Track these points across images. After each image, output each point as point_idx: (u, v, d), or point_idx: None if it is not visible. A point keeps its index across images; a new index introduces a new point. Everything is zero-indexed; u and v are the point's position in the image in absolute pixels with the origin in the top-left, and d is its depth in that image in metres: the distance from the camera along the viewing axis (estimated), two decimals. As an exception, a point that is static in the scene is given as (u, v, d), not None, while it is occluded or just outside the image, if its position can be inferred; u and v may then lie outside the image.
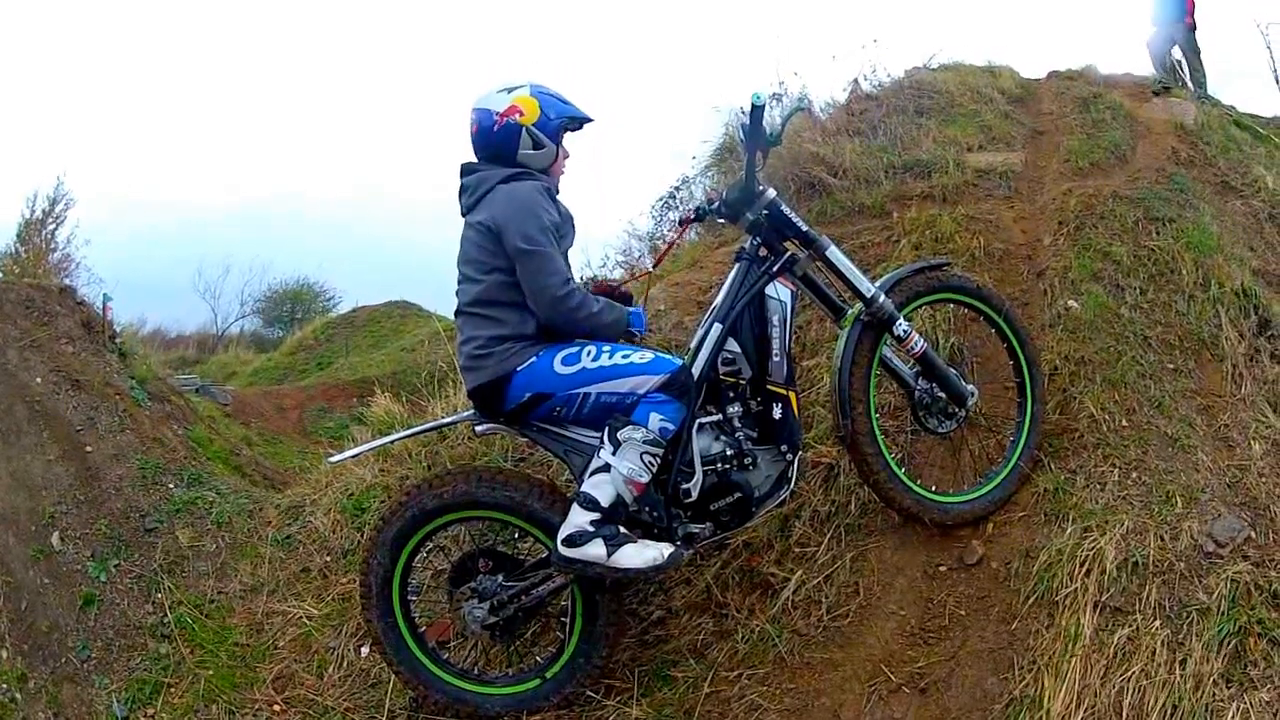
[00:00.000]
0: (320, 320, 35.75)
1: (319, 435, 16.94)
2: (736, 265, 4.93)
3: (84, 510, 7.19)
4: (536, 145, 4.61)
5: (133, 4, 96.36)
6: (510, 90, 4.61)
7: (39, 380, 8.02)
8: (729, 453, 4.65)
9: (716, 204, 5.23)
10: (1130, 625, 4.30)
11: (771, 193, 4.92)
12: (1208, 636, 4.16)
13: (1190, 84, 14.16)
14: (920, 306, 5.40)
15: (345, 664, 5.63)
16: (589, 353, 4.47)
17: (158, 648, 6.20)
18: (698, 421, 4.63)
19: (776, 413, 4.68)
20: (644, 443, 4.33)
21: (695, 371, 4.60)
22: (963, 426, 5.42)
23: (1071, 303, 6.47)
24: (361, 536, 6.39)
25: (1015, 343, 5.43)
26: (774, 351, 4.68)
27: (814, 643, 4.91)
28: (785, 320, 4.73)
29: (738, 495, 4.65)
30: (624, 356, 4.47)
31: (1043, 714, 4.04)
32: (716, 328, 4.68)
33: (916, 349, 5.01)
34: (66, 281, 15.94)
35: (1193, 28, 14.62)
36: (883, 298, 4.89)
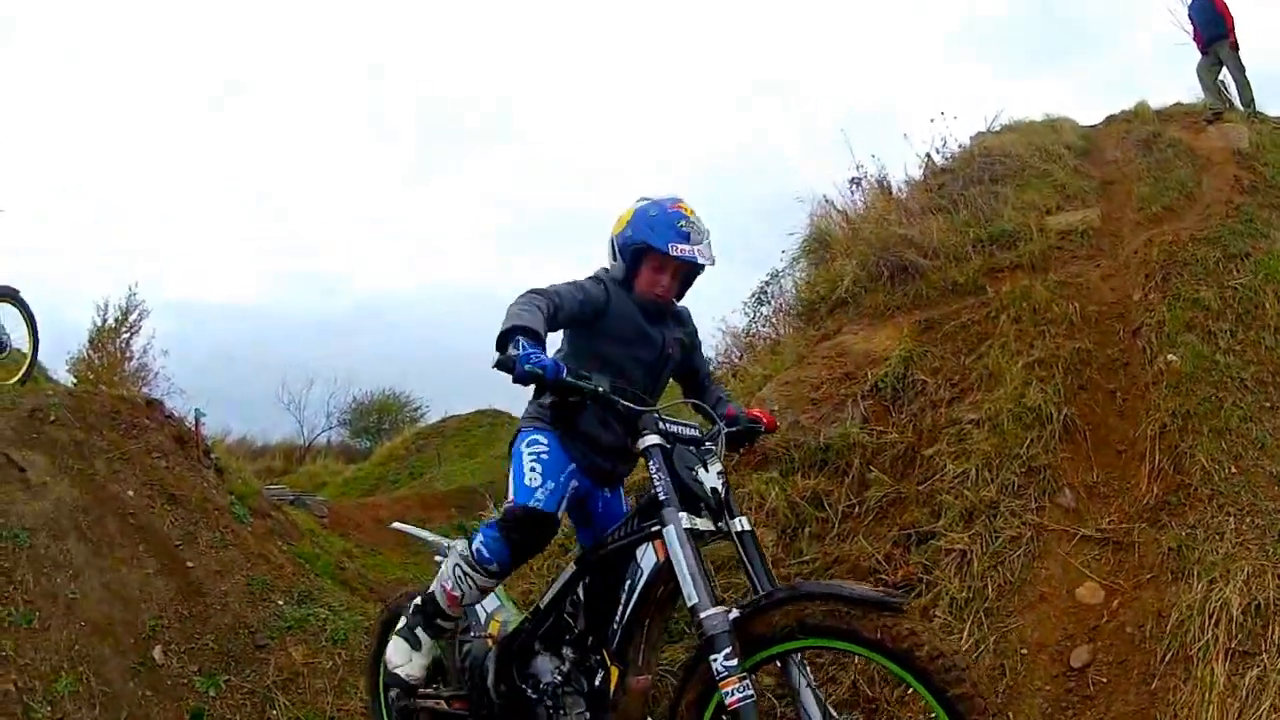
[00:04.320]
0: (409, 430, 36.53)
1: (420, 547, 16.88)
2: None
3: (187, 625, 7.34)
4: (613, 257, 4.40)
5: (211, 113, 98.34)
6: (639, 201, 4.40)
7: (131, 493, 8.18)
8: (543, 685, 4.10)
9: None
10: (1258, 666, 4.52)
11: (647, 440, 3.76)
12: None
13: (1239, 103, 14.44)
14: (788, 651, 3.29)
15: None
16: (529, 440, 4.28)
17: (274, 763, 6.27)
18: (535, 644, 4.22)
19: (597, 680, 3.92)
20: (460, 556, 4.17)
21: (542, 603, 4.22)
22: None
23: (1171, 357, 6.64)
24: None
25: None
26: (615, 618, 3.84)
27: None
28: (637, 589, 3.78)
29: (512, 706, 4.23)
30: (530, 465, 4.18)
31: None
32: (571, 567, 4.15)
33: (728, 701, 3.16)
34: (147, 392, 16.53)
35: (1235, 46, 14.78)
36: (707, 614, 3.29)
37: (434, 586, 4.32)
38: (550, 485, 4.13)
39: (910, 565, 5.81)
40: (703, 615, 3.31)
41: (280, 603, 7.97)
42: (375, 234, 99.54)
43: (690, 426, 3.89)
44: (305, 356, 57.34)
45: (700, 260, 4.22)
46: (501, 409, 33.14)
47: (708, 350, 9.17)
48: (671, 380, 4.63)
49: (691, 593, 3.38)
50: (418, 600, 4.42)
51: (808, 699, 3.34)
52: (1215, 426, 6.03)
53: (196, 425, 10.58)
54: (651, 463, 3.71)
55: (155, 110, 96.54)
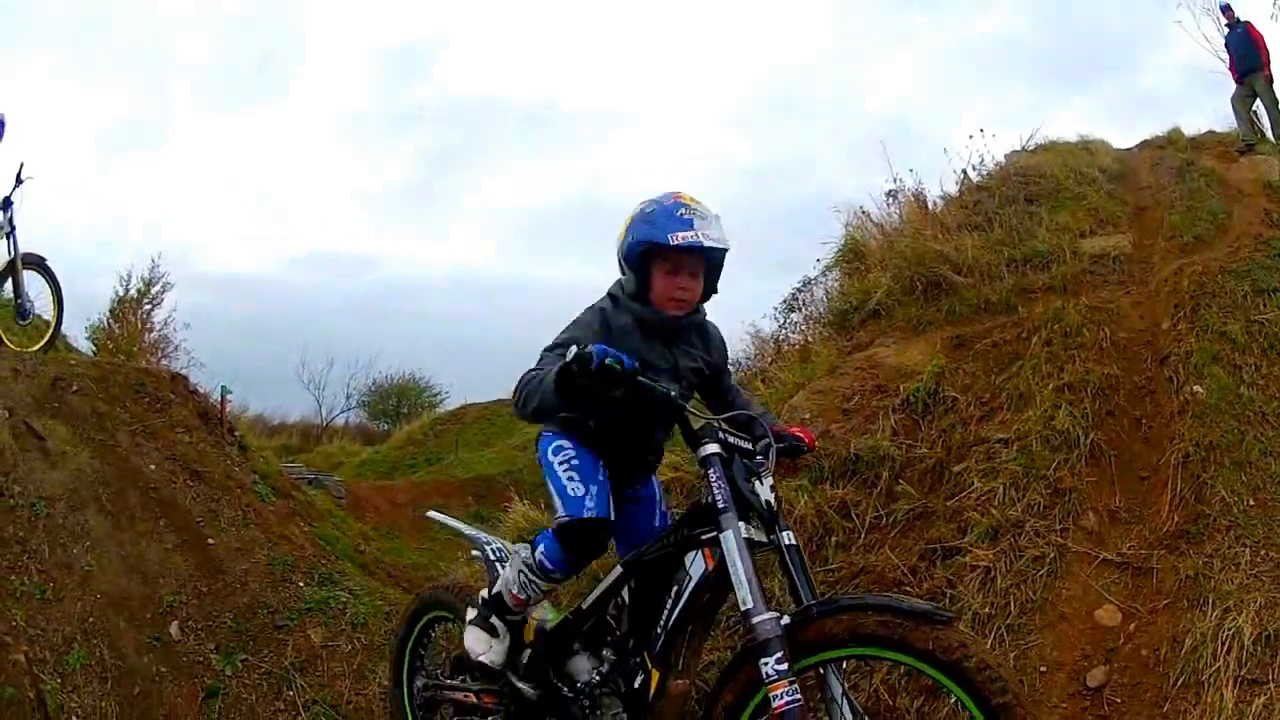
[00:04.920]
0: (428, 416, 36.71)
1: (435, 532, 16.78)
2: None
3: (206, 602, 7.46)
4: (622, 270, 4.22)
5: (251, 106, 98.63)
6: (637, 206, 4.20)
7: (153, 467, 8.32)
8: (579, 685, 4.15)
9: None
10: (1266, 694, 4.69)
11: (706, 449, 3.76)
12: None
13: (1271, 135, 14.56)
14: (834, 659, 3.45)
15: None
16: (554, 446, 4.26)
17: (289, 745, 6.28)
18: (574, 644, 4.28)
19: (636, 682, 3.92)
20: (524, 563, 4.23)
21: (585, 603, 4.23)
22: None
23: (1197, 388, 6.80)
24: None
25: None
26: (659, 622, 3.86)
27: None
28: (684, 596, 3.81)
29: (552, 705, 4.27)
30: (566, 474, 4.16)
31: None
32: (617, 569, 4.13)
33: (775, 704, 3.26)
34: (167, 364, 16.59)
35: (1270, 78, 14.96)
36: (760, 619, 3.39)
37: (499, 588, 4.37)
38: (594, 489, 4.12)
39: (935, 579, 5.93)
40: (756, 620, 3.38)
41: (301, 584, 8.09)
42: (407, 218, 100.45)
43: (744, 439, 3.86)
44: (329, 336, 57.77)
45: (705, 243, 3.96)
46: None
47: (735, 353, 9.37)
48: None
49: (746, 596, 3.43)
50: (484, 595, 4.49)
51: (844, 707, 3.40)
52: (1237, 459, 6.18)
53: (223, 402, 10.68)
54: (711, 471, 3.70)
55: (197, 82, 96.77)
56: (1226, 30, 15.90)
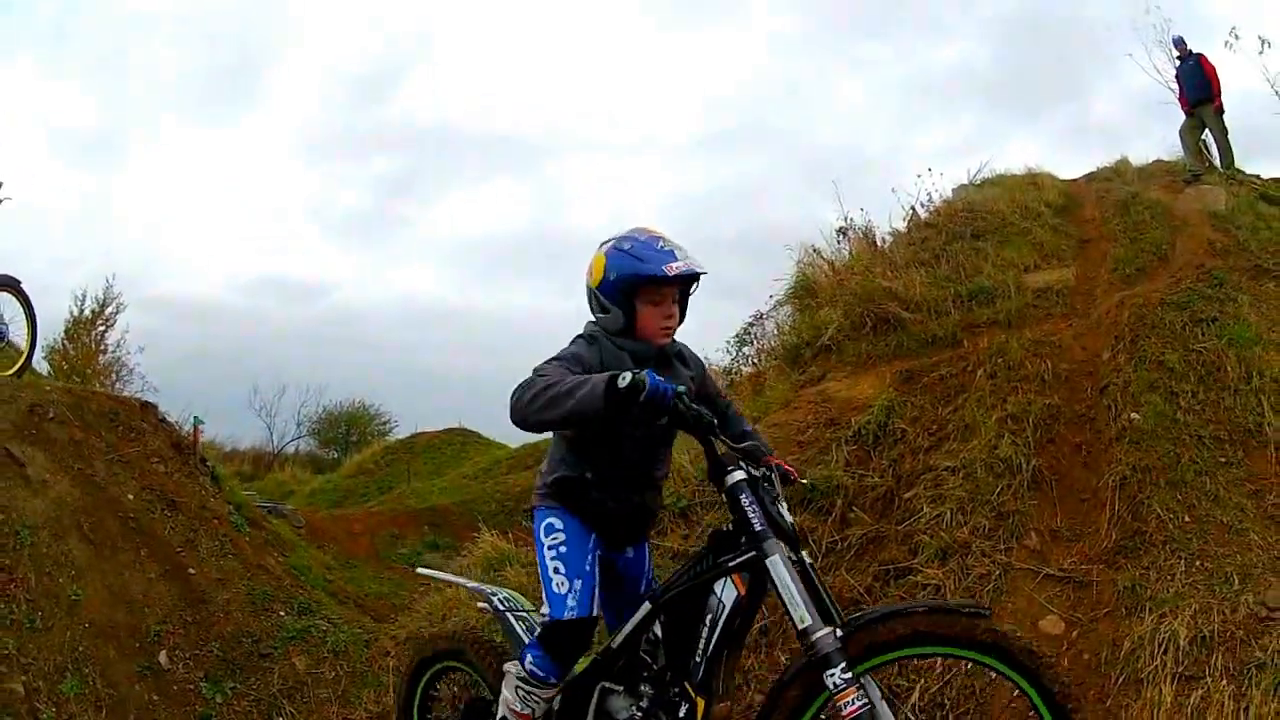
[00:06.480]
0: (379, 444, 36.86)
1: (393, 561, 17.59)
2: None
3: (192, 631, 7.74)
4: (602, 309, 4.25)
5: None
6: (602, 245, 4.29)
7: (131, 496, 8.55)
8: None
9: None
10: (1202, 688, 5.26)
11: (735, 476, 3.88)
12: (1265, 685, 5.09)
13: (1219, 164, 15.16)
14: (891, 661, 3.83)
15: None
16: (545, 525, 4.33)
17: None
18: (604, 684, 4.30)
19: (681, 712, 3.98)
20: (517, 679, 4.27)
21: (615, 643, 4.25)
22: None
23: (1134, 415, 7.36)
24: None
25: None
26: (697, 651, 3.93)
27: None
28: (719, 624, 3.90)
29: None
30: (553, 566, 4.27)
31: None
32: (645, 606, 4.16)
33: (846, 711, 3.51)
34: (121, 388, 16.75)
35: (1220, 109, 15.55)
36: (819, 634, 3.60)
37: (502, 712, 4.38)
38: (578, 585, 4.22)
39: (889, 598, 6.42)
40: (816, 636, 3.58)
41: (281, 613, 8.40)
42: (360, 245, 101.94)
43: (755, 465, 3.99)
44: (281, 362, 58.23)
45: (699, 269, 4.14)
46: (471, 428, 34.19)
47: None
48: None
49: (804, 615, 3.61)
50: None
51: (884, 710, 3.62)
52: (1172, 479, 6.77)
53: (195, 432, 10.95)
54: (743, 497, 3.82)
55: (157, 99, 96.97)
56: (1178, 63, 16.40)
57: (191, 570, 8.35)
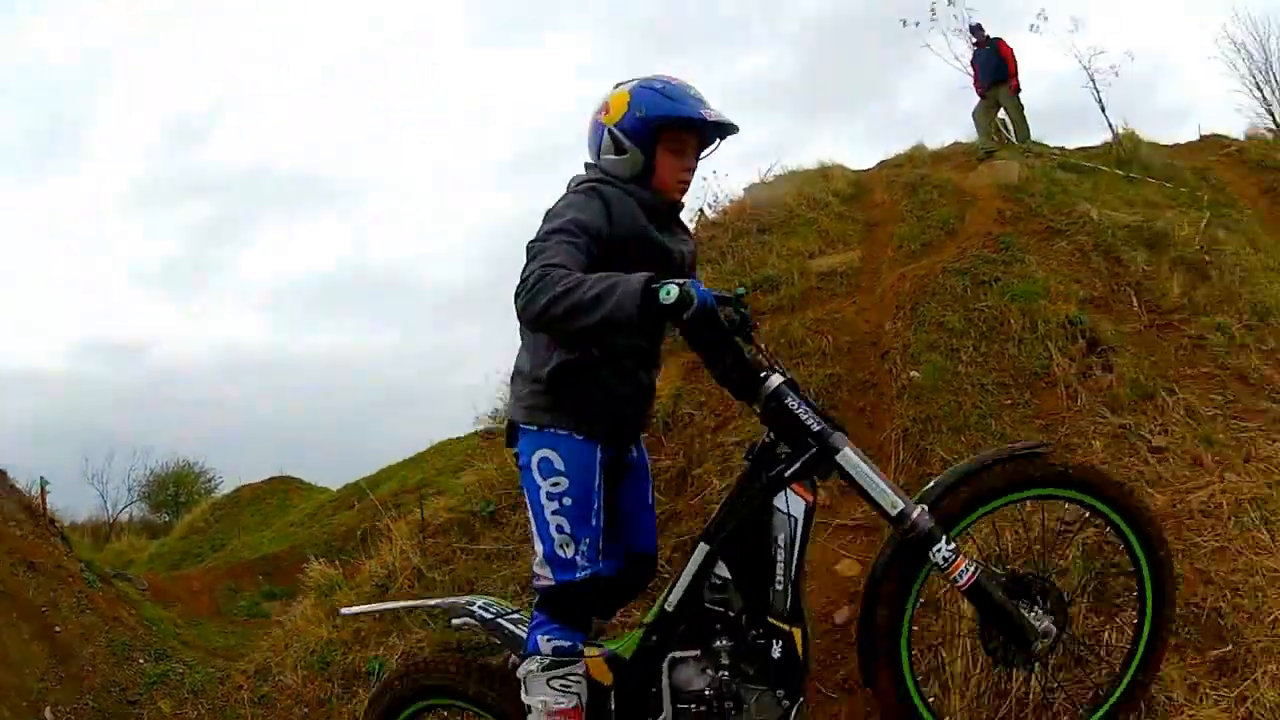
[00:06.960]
0: (206, 502, 36.65)
1: (235, 614, 17.90)
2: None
3: (68, 686, 8.01)
4: (617, 149, 3.86)
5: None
6: (623, 84, 3.93)
7: None
8: (708, 693, 3.77)
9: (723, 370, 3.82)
10: None
11: (774, 381, 3.72)
12: (1075, 586, 5.18)
13: (1015, 140, 15.70)
14: (980, 517, 4.01)
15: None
16: (543, 470, 3.83)
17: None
18: (671, 656, 3.85)
19: (775, 651, 3.70)
20: (543, 670, 3.78)
21: (670, 605, 3.86)
22: (1039, 672, 4.39)
23: (913, 373, 7.61)
24: (333, 687, 7.13)
25: (1135, 542, 3.98)
26: (777, 578, 3.69)
27: None
28: (793, 540, 3.69)
29: None
30: (555, 522, 3.82)
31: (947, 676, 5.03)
32: (702, 549, 3.84)
33: (962, 580, 3.65)
34: None
35: (1017, 89, 16.27)
36: (916, 514, 3.64)
37: None
38: (585, 542, 3.83)
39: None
40: (914, 516, 3.62)
41: (141, 661, 8.71)
42: (178, 298, 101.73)
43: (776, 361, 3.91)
44: (108, 427, 57.76)
45: (735, 122, 3.87)
46: (293, 474, 34.26)
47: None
48: None
49: (894, 500, 3.63)
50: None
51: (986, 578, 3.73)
52: (955, 425, 7.02)
53: (42, 493, 10.99)
54: (790, 400, 3.67)
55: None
56: (975, 49, 17.09)
57: (57, 628, 8.68)
